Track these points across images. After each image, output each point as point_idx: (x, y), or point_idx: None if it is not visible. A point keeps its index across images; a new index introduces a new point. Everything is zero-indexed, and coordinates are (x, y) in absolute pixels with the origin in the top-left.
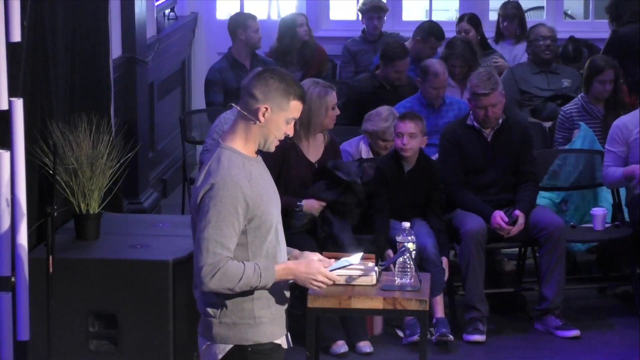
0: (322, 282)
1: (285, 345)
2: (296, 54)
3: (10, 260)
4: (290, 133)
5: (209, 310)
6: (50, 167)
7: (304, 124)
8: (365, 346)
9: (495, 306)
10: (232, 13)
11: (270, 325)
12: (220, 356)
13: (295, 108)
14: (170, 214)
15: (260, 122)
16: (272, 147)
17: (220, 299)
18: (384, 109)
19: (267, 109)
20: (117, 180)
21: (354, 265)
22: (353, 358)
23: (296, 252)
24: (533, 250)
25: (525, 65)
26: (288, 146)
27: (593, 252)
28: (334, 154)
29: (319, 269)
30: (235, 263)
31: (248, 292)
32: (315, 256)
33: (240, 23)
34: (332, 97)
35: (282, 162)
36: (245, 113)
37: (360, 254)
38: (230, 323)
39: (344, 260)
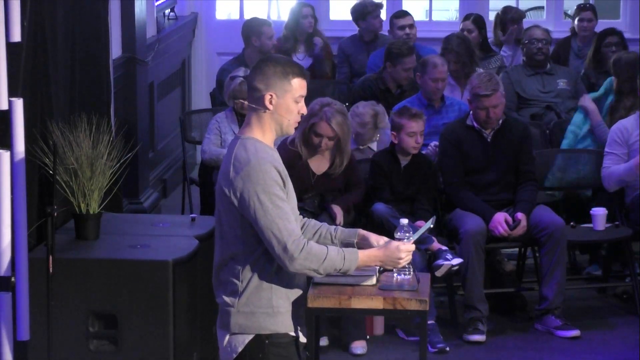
0: (406, 258)
1: (303, 339)
2: (302, 41)
3: (10, 260)
4: (304, 111)
5: (227, 299)
6: (50, 167)
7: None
8: (358, 347)
9: (495, 306)
10: (243, 16)
11: (287, 316)
12: (240, 348)
13: (298, 85)
14: (170, 214)
15: (269, 109)
16: (290, 130)
17: (239, 288)
18: (367, 112)
19: (272, 95)
20: (117, 180)
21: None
22: (347, 359)
23: (362, 231)
24: (533, 250)
25: (520, 68)
26: (296, 154)
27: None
28: (341, 173)
29: (399, 247)
30: (317, 244)
31: (266, 281)
32: (382, 240)
33: (254, 30)
34: (318, 124)
35: (289, 168)
36: (254, 105)
37: (432, 218)
38: (249, 312)
39: (420, 230)
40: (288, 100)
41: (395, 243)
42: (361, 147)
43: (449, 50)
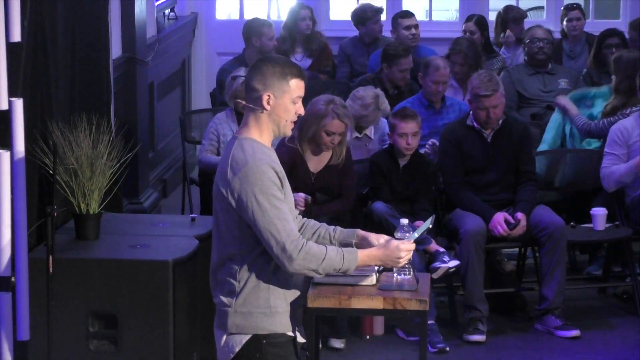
0: (406, 257)
1: (300, 339)
2: (300, 42)
3: (10, 260)
4: (301, 112)
5: (225, 299)
6: (50, 167)
7: (297, 130)
8: (336, 341)
9: (495, 306)
10: (243, 16)
11: (285, 316)
12: (237, 348)
13: (296, 86)
14: (170, 214)
15: (267, 110)
16: (287, 131)
17: (236, 289)
18: (369, 94)
19: (269, 95)
20: (117, 180)
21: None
22: (327, 354)
23: (361, 232)
24: (533, 250)
25: (522, 67)
26: (296, 152)
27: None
28: (338, 172)
29: (399, 246)
30: (316, 244)
31: (263, 281)
32: (382, 238)
33: (255, 30)
34: (330, 123)
35: (290, 166)
36: (251, 105)
37: (431, 217)
38: (246, 312)
39: (420, 229)
40: (286, 100)
41: (395, 242)
42: (359, 135)
43: (457, 51)
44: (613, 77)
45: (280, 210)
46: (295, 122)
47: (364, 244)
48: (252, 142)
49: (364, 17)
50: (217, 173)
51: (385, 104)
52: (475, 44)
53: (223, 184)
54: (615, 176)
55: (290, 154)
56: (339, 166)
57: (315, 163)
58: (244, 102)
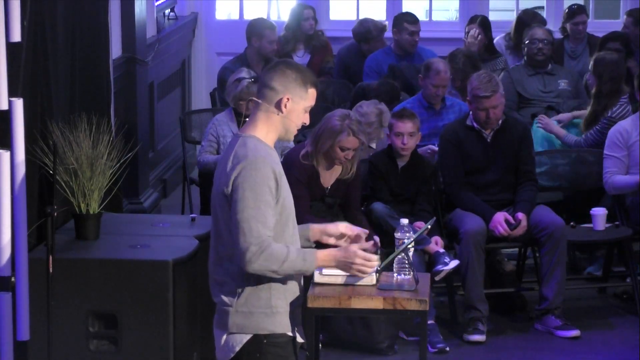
0: (361, 266)
1: (300, 339)
2: (302, 41)
3: (10, 260)
4: (307, 121)
5: (225, 299)
6: (50, 167)
7: (312, 145)
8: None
9: (495, 306)
10: (243, 16)
11: (285, 316)
12: (237, 348)
13: (312, 96)
14: (170, 214)
15: (282, 112)
16: (291, 137)
17: (237, 288)
18: (372, 112)
19: (288, 99)
20: (117, 180)
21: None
22: (326, 354)
23: (316, 227)
24: (533, 250)
25: (522, 67)
26: (310, 169)
27: None
28: (347, 186)
29: (357, 252)
30: (279, 245)
31: (264, 281)
32: (342, 226)
33: (256, 31)
34: (346, 140)
35: (306, 183)
36: (267, 105)
37: (432, 219)
38: (247, 312)
39: (419, 231)
40: (300, 107)
41: (354, 247)
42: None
43: (454, 67)
44: (590, 76)
45: (260, 212)
46: (309, 137)
47: (324, 238)
48: (256, 141)
49: (369, 37)
50: (217, 171)
51: (388, 119)
52: (473, 58)
53: (224, 180)
54: (618, 186)
55: (305, 171)
56: (348, 180)
57: (327, 177)
58: (258, 100)
